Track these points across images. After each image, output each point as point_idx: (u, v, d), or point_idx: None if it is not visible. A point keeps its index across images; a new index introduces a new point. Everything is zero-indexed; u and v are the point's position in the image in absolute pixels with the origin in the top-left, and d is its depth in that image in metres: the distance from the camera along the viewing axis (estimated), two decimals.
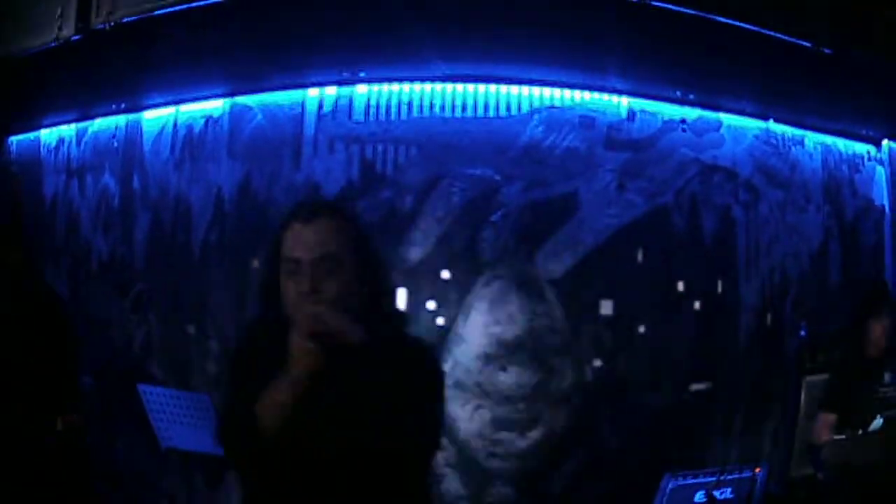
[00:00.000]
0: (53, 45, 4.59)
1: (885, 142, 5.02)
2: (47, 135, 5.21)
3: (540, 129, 4.29)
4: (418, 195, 4.20)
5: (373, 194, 4.21)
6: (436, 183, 4.20)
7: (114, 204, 4.90)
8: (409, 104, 4.25)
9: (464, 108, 4.25)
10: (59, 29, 4.59)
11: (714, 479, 4.13)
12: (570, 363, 4.30)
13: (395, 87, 4.27)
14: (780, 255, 4.71)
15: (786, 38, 4.29)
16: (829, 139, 4.89)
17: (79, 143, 5.09)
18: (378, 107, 4.27)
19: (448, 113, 4.24)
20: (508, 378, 4.25)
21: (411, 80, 4.27)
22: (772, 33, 4.23)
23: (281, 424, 1.87)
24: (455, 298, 4.19)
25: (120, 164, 4.89)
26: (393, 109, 4.26)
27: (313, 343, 1.83)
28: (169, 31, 4.24)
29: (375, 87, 4.29)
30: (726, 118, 4.66)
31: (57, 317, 3.86)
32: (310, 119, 4.36)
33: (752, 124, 4.72)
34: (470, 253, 4.20)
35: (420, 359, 2.02)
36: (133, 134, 4.89)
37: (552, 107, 4.34)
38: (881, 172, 5.00)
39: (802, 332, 4.73)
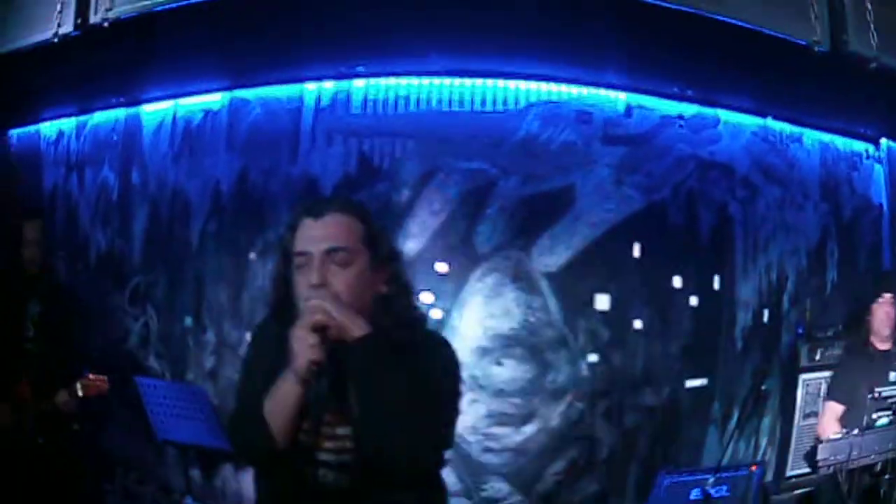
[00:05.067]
0: (53, 40, 4.62)
1: (883, 140, 5.01)
2: (47, 128, 5.23)
3: (536, 123, 4.30)
4: (414, 188, 4.20)
5: (369, 187, 4.22)
6: (431, 176, 4.21)
7: (113, 197, 4.91)
8: (406, 98, 4.26)
9: (461, 103, 4.25)
10: (59, 25, 4.62)
11: (710, 476, 4.11)
12: (565, 358, 4.30)
13: (393, 81, 4.28)
14: (778, 252, 4.70)
15: (782, 35, 4.30)
16: (827, 137, 4.89)
17: (78, 136, 5.11)
18: (375, 101, 4.28)
19: (445, 107, 4.25)
20: (504, 372, 4.25)
21: (408, 74, 4.28)
22: (768, 31, 4.25)
23: (289, 424, 1.88)
24: (450, 291, 4.19)
25: (119, 157, 4.91)
26: (390, 103, 4.27)
27: (315, 336, 1.83)
28: (167, 27, 4.26)
29: (373, 81, 4.30)
30: (724, 114, 4.66)
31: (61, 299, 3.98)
32: (307, 113, 4.38)
33: (750, 121, 4.72)
34: (465, 246, 4.20)
35: (434, 350, 2.01)
36: (132, 128, 4.91)
37: (549, 101, 4.34)
38: (879, 171, 4.99)
39: (800, 330, 4.73)
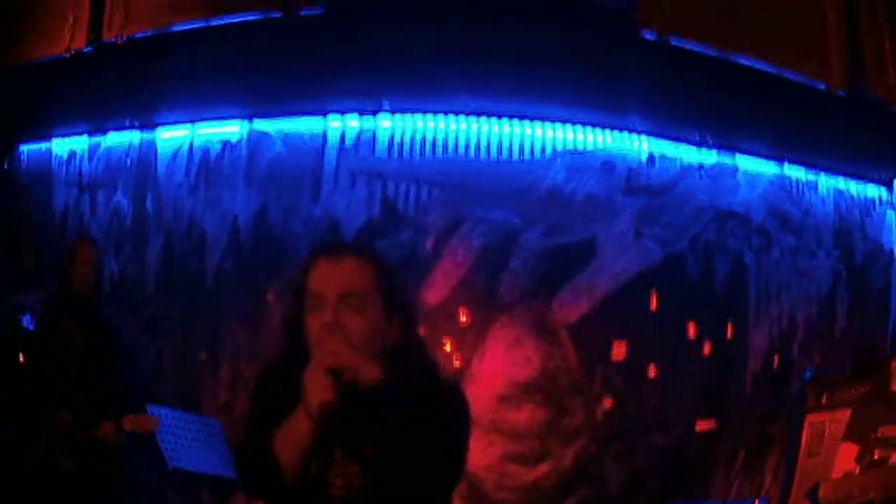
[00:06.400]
0: (64, 55, 4.51)
1: None
2: (59, 145, 5.12)
3: (562, 173, 4.30)
4: (439, 237, 4.20)
5: (394, 234, 4.22)
6: (457, 225, 4.21)
7: (126, 223, 4.85)
8: (434, 141, 4.23)
9: (487, 149, 4.23)
10: (70, 40, 4.50)
11: None
12: (581, 403, 4.37)
13: (420, 121, 4.24)
14: (790, 299, 4.77)
15: (801, 79, 4.32)
16: (841, 182, 4.93)
17: (91, 157, 5.00)
18: (402, 142, 4.24)
19: (472, 153, 4.23)
20: (521, 416, 4.31)
21: (435, 113, 4.25)
22: (787, 74, 4.26)
23: (299, 460, 1.88)
24: (472, 341, 4.22)
25: (133, 182, 4.83)
26: (417, 145, 4.25)
27: (329, 378, 1.83)
28: (185, 49, 4.18)
29: (399, 121, 4.25)
30: (742, 161, 4.68)
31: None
32: (331, 151, 4.34)
33: (767, 168, 4.75)
34: (488, 296, 4.23)
35: (445, 397, 2.04)
36: (147, 152, 4.82)
37: (575, 150, 4.34)
38: (892, 217, 5.05)
39: (808, 374, 4.82)
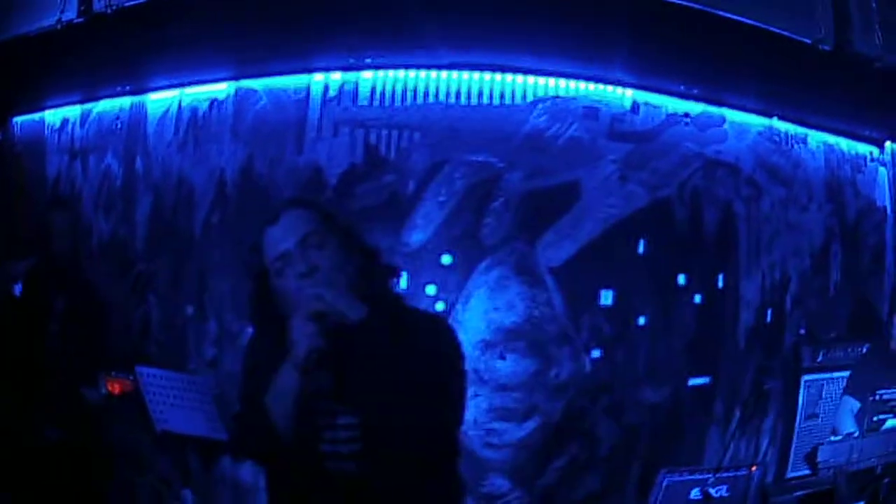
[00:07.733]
0: (56, 27, 4.61)
1: (887, 143, 5.03)
2: (51, 115, 5.22)
3: (543, 118, 4.30)
4: (420, 180, 4.20)
5: (375, 178, 4.22)
6: (438, 168, 4.20)
7: (116, 185, 4.90)
8: (415, 90, 4.26)
9: (468, 96, 4.25)
10: (62, 12, 4.60)
11: (710, 476, 4.11)
12: (568, 353, 4.29)
13: (401, 73, 4.28)
14: (781, 251, 4.71)
15: (786, 33, 4.31)
16: (831, 139, 4.90)
17: (83, 124, 5.10)
18: (383, 93, 4.28)
19: (452, 100, 4.25)
20: (506, 366, 4.23)
21: (417, 67, 4.28)
22: (772, 28, 4.25)
23: (289, 416, 1.88)
24: (455, 284, 4.18)
25: (123, 145, 4.90)
26: (398, 95, 4.27)
27: (314, 324, 1.84)
28: (172, 15, 4.26)
29: (381, 73, 4.30)
30: (730, 114, 4.66)
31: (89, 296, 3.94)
32: (314, 103, 4.37)
33: (755, 121, 4.73)
34: (471, 239, 4.20)
35: (434, 331, 2.02)
36: (137, 116, 4.90)
37: (556, 97, 4.35)
38: (883, 174, 5.01)
39: (802, 331, 4.73)
